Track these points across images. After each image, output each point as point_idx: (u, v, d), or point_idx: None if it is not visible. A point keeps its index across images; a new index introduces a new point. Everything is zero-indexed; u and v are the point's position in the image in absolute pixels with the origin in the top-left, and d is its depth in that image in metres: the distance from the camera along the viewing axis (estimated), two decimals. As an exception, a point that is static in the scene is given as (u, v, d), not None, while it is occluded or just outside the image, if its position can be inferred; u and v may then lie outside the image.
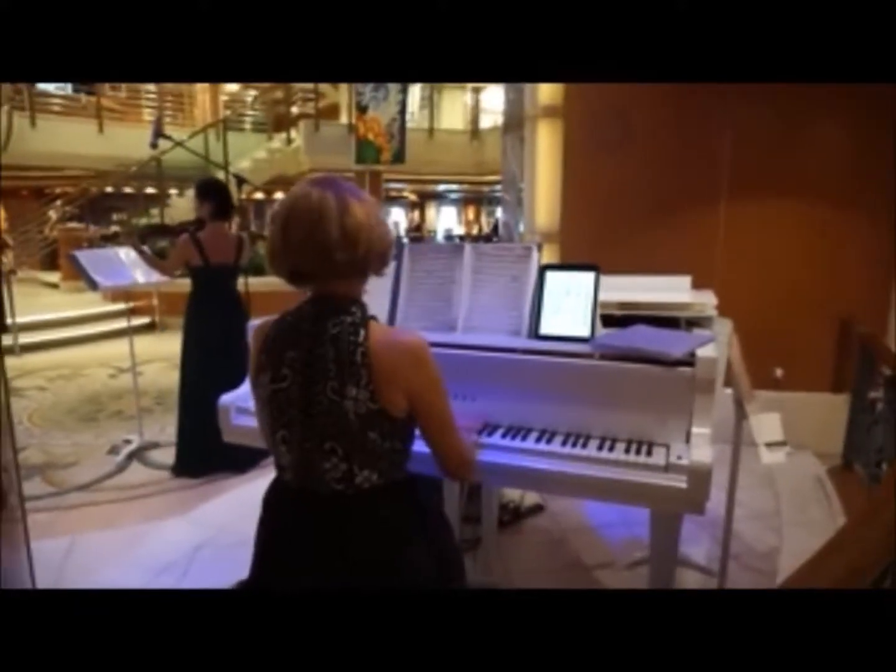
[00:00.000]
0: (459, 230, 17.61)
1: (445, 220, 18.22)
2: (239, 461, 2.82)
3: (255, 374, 1.02)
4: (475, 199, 17.90)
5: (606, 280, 1.45)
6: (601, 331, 1.41)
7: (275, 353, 0.99)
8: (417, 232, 15.13)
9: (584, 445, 1.25)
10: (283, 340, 0.99)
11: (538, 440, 1.28)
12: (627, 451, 1.22)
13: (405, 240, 14.53)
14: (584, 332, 1.38)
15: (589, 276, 1.41)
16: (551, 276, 1.44)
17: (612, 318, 1.52)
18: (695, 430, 1.19)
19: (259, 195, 13.14)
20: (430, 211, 18.42)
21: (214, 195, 2.81)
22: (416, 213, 18.04)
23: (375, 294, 1.49)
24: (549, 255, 3.20)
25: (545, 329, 1.42)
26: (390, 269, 1.54)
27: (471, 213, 18.50)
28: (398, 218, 17.35)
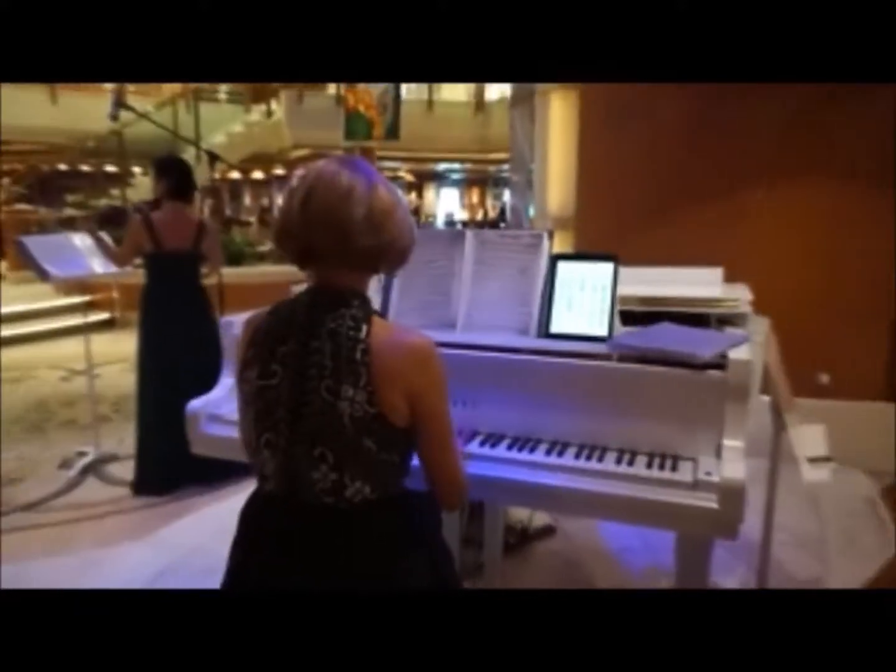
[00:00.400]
0: (462, 215, 17.63)
1: (446, 203, 18.25)
2: (209, 476, 2.83)
3: (241, 369, 1.03)
4: (480, 181, 17.92)
5: (626, 272, 1.46)
6: (620, 329, 1.42)
7: (265, 346, 1.00)
8: (414, 217, 15.19)
9: (601, 459, 1.25)
10: (276, 333, 1.00)
11: (548, 452, 1.29)
12: (649, 465, 1.22)
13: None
14: (601, 330, 1.39)
15: (607, 268, 1.42)
16: (564, 268, 1.45)
17: (633, 314, 1.52)
18: (726, 442, 1.20)
19: (235, 174, 13.18)
20: (429, 193, 18.44)
21: (171, 172, 2.80)
22: (413, 196, 18.06)
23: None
24: (561, 243, 3.22)
25: (557, 327, 1.43)
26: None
27: (475, 196, 18.52)
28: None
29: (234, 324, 1.56)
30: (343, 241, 0.97)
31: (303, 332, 0.98)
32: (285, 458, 0.98)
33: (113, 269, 3.11)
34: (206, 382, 1.60)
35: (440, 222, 16.84)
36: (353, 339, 0.96)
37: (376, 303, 1.54)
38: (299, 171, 1.00)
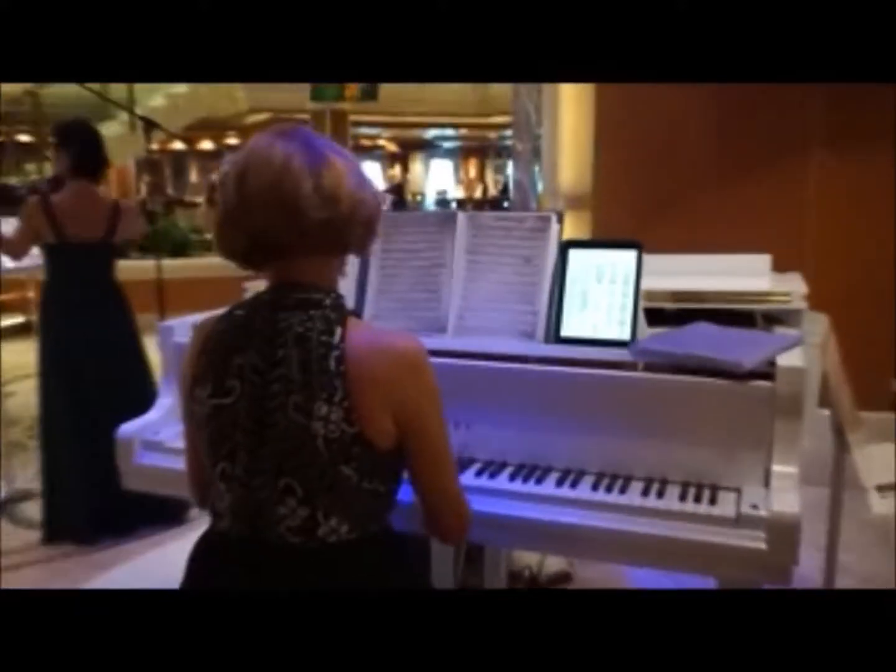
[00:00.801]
0: (457, 193, 17.68)
1: (437, 178, 18.30)
2: (145, 517, 2.80)
3: (190, 386, 1.05)
4: (478, 150, 17.98)
5: (654, 261, 1.46)
6: (646, 331, 1.42)
7: (218, 357, 1.02)
8: (398, 195, 15.20)
9: (623, 490, 1.26)
10: (231, 342, 1.02)
11: (560, 483, 1.29)
12: (683, 497, 1.22)
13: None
14: (623, 333, 1.40)
15: (629, 257, 1.43)
16: (577, 257, 1.46)
17: (662, 313, 1.54)
18: (776, 468, 1.20)
19: (178, 145, 13.16)
20: (416, 166, 18.49)
21: (75, 141, 2.74)
22: (397, 170, 18.10)
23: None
24: (576, 226, 3.23)
25: (568, 330, 1.43)
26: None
27: (472, 169, 18.58)
28: (371, 176, 17.38)
29: (175, 329, 1.55)
30: (294, 222, 0.98)
31: (264, 340, 0.99)
32: (244, 491, 0.99)
33: (27, 262, 3.10)
34: (129, 401, 1.60)
35: (430, 202, 16.87)
36: (325, 344, 0.97)
37: (348, 301, 1.55)
38: (228, 157, 1.04)
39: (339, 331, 0.98)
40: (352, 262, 1.56)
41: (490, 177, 18.13)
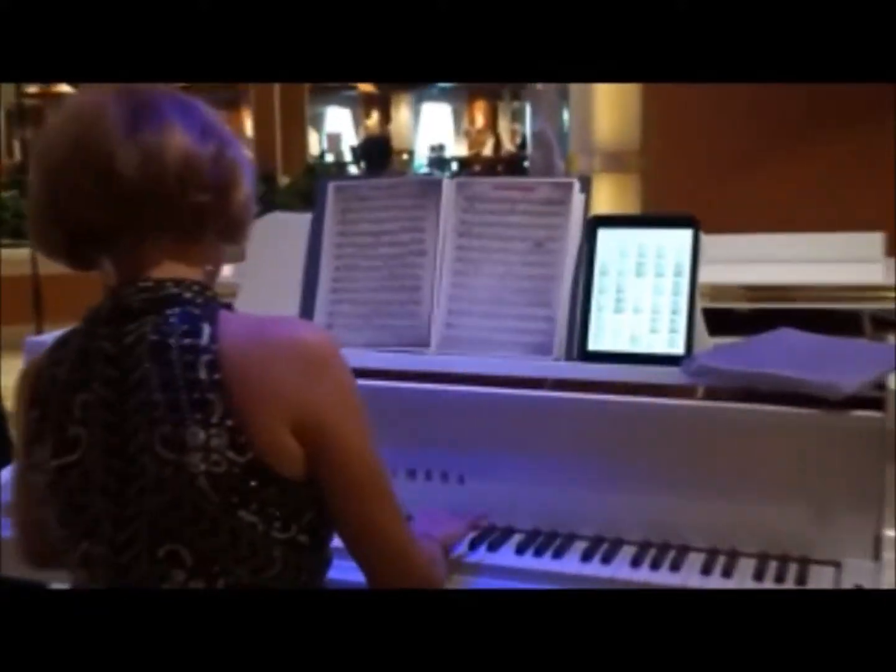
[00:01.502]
0: (458, 149, 17.73)
1: (431, 129, 18.35)
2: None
3: (24, 451, 1.06)
4: (487, 91, 18.06)
5: (719, 243, 1.49)
6: (706, 342, 1.43)
7: (55, 403, 1.03)
8: (379, 153, 15.18)
9: (676, 566, 1.26)
10: (69, 377, 1.02)
11: (587, 557, 1.30)
12: (759, 575, 1.23)
13: (353, 169, 14.47)
14: (674, 345, 1.40)
15: (682, 238, 1.44)
16: (610, 240, 1.47)
17: (731, 316, 1.55)
18: (889, 533, 1.21)
19: (64, 87, 13.25)
20: (401, 112, 18.56)
21: None
22: (375, 118, 18.17)
23: (267, 279, 1.51)
24: (616, 195, 3.24)
25: (598, 342, 1.44)
26: (298, 236, 1.58)
27: (480, 117, 18.65)
28: (339, 126, 17.42)
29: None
30: (107, 187, 0.99)
31: (110, 363, 1.00)
32: (113, 572, 1.00)
33: None
34: None
35: (421, 162, 16.91)
36: (190, 349, 0.97)
37: (291, 303, 1.56)
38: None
39: (206, 329, 0.99)
40: (293, 250, 1.56)
41: (504, 126, 18.19)
